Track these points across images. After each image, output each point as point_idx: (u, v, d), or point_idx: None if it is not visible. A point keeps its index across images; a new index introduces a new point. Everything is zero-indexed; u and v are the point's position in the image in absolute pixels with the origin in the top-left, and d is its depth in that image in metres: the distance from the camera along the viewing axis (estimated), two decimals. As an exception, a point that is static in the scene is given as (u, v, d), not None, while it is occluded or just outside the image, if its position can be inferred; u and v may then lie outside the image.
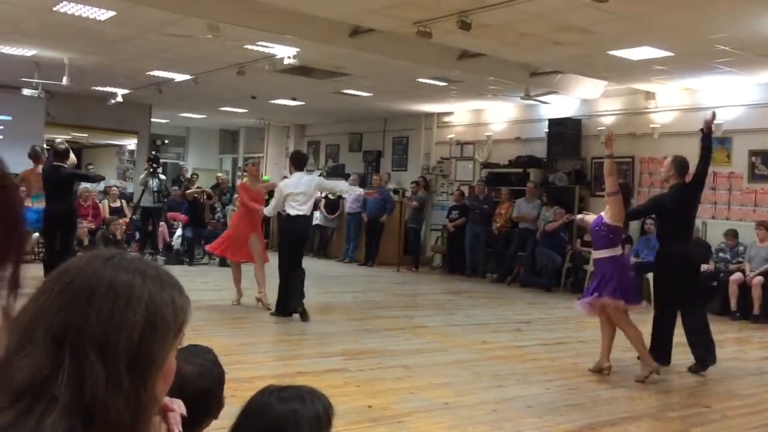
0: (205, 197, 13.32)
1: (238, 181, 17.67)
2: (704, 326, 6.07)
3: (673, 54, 8.79)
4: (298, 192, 7.74)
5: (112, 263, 0.98)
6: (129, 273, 0.97)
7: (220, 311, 7.96)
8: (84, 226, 11.76)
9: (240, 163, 21.26)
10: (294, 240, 7.90)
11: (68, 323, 0.92)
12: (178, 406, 1.23)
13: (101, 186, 14.52)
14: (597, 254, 6.10)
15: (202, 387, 1.76)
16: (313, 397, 1.61)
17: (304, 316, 7.59)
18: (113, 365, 0.91)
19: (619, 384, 5.63)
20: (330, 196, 15.21)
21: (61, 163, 9.22)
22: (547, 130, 12.89)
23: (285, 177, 9.69)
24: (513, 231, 12.70)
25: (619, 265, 5.93)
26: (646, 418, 4.76)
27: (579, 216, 7.05)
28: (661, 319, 6.22)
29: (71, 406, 0.88)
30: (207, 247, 9.85)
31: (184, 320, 1.02)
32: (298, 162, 8.14)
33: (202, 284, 10.32)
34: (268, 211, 8.42)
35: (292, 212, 7.75)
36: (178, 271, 8.19)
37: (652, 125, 11.59)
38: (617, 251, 5.92)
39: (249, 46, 9.84)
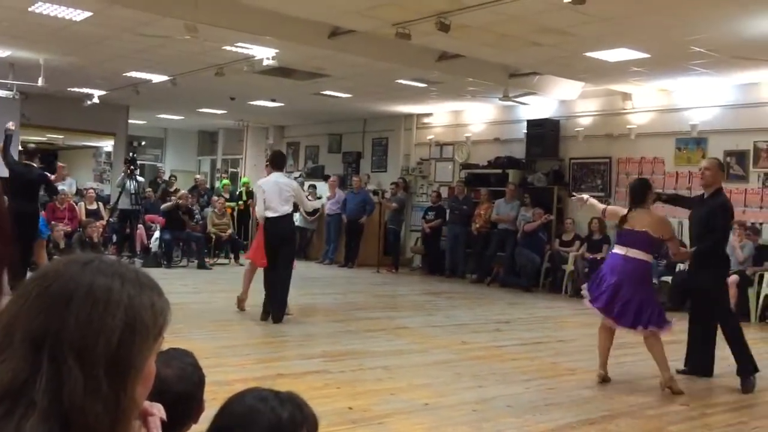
0: (180, 212, 13.17)
1: (217, 183, 17.61)
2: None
3: (649, 55, 8.89)
4: (273, 193, 7.63)
5: (91, 267, 0.97)
6: (107, 277, 0.96)
7: (200, 314, 7.90)
8: (60, 228, 11.62)
9: (218, 165, 21.16)
10: (272, 242, 7.74)
11: (46, 327, 0.91)
12: (158, 411, 1.22)
13: (73, 188, 14.37)
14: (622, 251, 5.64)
15: (182, 391, 1.74)
16: (297, 401, 1.60)
17: (276, 319, 7.57)
18: (91, 370, 0.90)
19: (597, 383, 5.67)
20: (309, 198, 15.19)
21: (31, 163, 9.14)
22: (526, 131, 12.97)
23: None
24: (492, 231, 12.75)
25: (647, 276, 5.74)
26: (624, 417, 4.80)
27: (579, 196, 6.77)
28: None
29: (49, 411, 0.87)
30: (247, 257, 9.22)
31: (163, 323, 1.01)
32: (278, 162, 8.06)
33: (181, 287, 10.25)
34: (258, 213, 8.08)
35: (269, 214, 7.66)
36: (157, 274, 8.15)
37: (628, 126, 11.71)
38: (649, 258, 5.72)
39: (228, 47, 9.79)
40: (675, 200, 6.99)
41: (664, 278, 10.42)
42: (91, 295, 0.93)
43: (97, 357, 0.91)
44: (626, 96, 11.69)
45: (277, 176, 7.82)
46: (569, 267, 11.56)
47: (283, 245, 7.77)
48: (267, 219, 7.71)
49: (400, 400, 4.86)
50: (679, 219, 10.54)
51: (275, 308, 7.61)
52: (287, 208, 7.73)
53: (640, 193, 5.77)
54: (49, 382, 0.88)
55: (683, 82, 10.56)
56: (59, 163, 10.87)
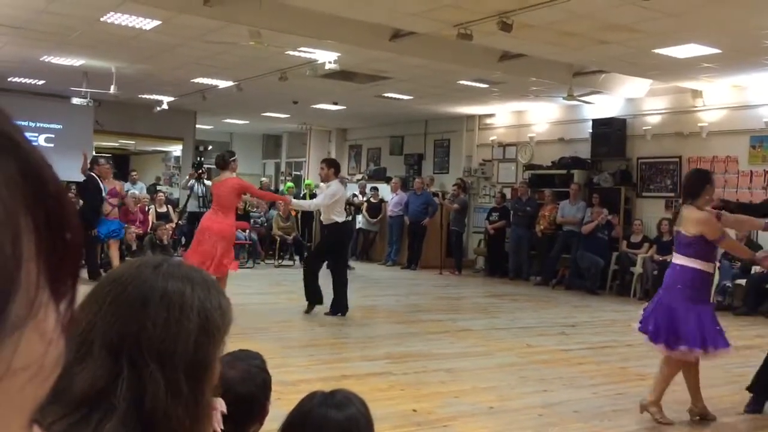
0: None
1: (281, 186, 17.87)
2: None
3: (720, 51, 8.59)
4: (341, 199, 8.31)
5: (162, 271, 0.99)
6: (178, 280, 0.98)
7: (264, 315, 8.02)
8: (132, 231, 11.98)
9: (282, 168, 21.46)
10: (342, 246, 8.37)
11: (124, 333, 0.93)
12: (220, 405, 1.25)
13: (143, 192, 14.80)
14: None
15: (244, 392, 1.76)
16: (356, 399, 1.61)
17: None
18: (173, 373, 0.92)
19: (669, 388, 5.49)
20: (372, 200, 15.27)
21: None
22: (591, 131, 12.71)
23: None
24: (557, 233, 12.54)
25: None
26: (695, 425, 4.64)
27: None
28: None
29: (129, 415, 0.89)
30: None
31: (229, 323, 1.03)
32: (339, 168, 8.58)
33: (245, 288, 10.43)
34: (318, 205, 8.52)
35: (340, 219, 8.21)
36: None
37: (699, 124, 11.34)
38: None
39: (290, 52, 9.92)
40: (744, 209, 5.81)
41: (738, 281, 10.05)
42: (166, 298, 0.95)
43: (177, 360, 0.93)
44: (697, 93, 11.33)
45: (339, 182, 8.42)
46: (638, 269, 11.27)
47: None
48: (339, 223, 8.24)
49: (465, 403, 4.82)
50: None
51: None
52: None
53: (695, 185, 4.76)
54: (130, 387, 0.90)
55: (757, 78, 10.17)
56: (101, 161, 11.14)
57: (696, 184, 4.78)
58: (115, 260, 10.27)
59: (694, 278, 4.69)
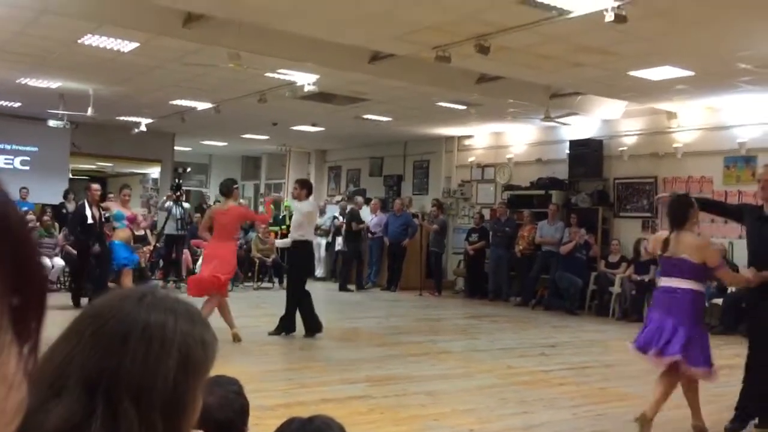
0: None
1: (260, 208, 17.81)
2: None
3: (694, 73, 8.74)
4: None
5: (145, 303, 0.96)
6: (162, 312, 0.96)
7: (243, 338, 7.93)
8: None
9: (262, 189, 21.41)
10: (309, 265, 8.47)
11: (102, 368, 0.90)
12: None
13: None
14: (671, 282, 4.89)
15: (222, 418, 1.74)
16: (335, 425, 1.59)
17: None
18: (148, 412, 0.89)
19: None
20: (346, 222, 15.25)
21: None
22: (569, 152, 12.84)
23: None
24: (536, 253, 12.59)
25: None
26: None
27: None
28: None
29: None
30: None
31: (213, 359, 1.01)
32: (311, 189, 8.56)
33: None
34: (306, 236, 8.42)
35: (310, 238, 8.28)
36: (202, 299, 8.18)
37: (674, 145, 11.50)
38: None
39: (269, 74, 9.93)
40: (710, 205, 5.89)
41: (715, 300, 10.14)
42: (147, 332, 0.92)
43: (153, 398, 0.90)
44: (671, 114, 11.50)
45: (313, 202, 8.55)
46: (616, 289, 11.34)
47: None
48: (308, 243, 8.22)
49: (445, 426, 4.79)
50: (729, 239, 10.33)
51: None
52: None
53: (679, 212, 4.87)
54: (104, 425, 0.87)
55: (730, 100, 10.35)
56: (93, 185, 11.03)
57: (680, 211, 4.87)
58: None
59: (695, 299, 4.81)
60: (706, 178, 11.12)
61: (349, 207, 15.79)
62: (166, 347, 0.92)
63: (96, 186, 10.91)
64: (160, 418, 0.89)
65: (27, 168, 15.33)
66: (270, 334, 8.06)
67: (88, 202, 10.19)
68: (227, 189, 8.07)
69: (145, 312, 0.94)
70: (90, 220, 9.95)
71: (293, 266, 8.60)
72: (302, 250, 8.25)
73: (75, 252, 11.06)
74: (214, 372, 1.83)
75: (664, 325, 4.73)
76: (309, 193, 8.39)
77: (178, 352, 0.93)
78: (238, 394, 1.85)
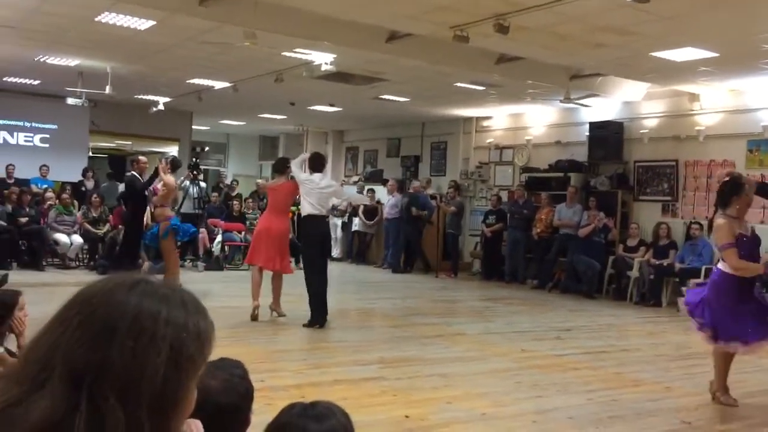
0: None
1: (268, 182, 17.75)
2: None
3: (718, 54, 8.56)
4: (313, 189, 7.64)
5: (137, 291, 0.92)
6: (154, 302, 0.91)
7: (259, 317, 7.95)
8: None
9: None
10: (314, 242, 7.72)
11: (88, 361, 0.86)
12: (196, 429, 1.18)
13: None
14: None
15: (225, 402, 1.71)
16: (338, 410, 1.56)
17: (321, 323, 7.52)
18: (134, 409, 0.85)
19: (664, 395, 5.46)
20: (368, 203, 15.20)
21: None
22: (588, 134, 12.67)
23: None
24: (553, 236, 12.50)
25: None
26: (693, 431, 4.60)
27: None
28: None
29: None
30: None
31: (209, 351, 0.97)
32: (317, 164, 7.92)
33: (241, 290, 10.35)
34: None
35: (309, 210, 7.68)
36: (218, 277, 8.31)
37: (696, 128, 11.31)
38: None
39: (286, 53, 9.87)
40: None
41: None
42: (137, 324, 0.88)
43: (140, 395, 0.86)
44: (694, 97, 11.30)
45: (319, 176, 7.81)
46: (634, 273, 11.23)
47: (319, 246, 7.76)
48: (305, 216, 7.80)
49: (458, 409, 4.76)
50: (752, 224, 10.15)
51: (324, 311, 7.56)
52: (325, 209, 7.88)
53: (724, 196, 5.15)
54: (87, 421, 0.83)
55: (754, 82, 10.14)
56: (140, 158, 11.42)
57: (724, 194, 5.16)
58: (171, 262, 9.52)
59: (719, 279, 5.12)
60: (728, 161, 10.93)
61: (366, 188, 15.75)
62: (156, 341, 0.88)
63: (144, 158, 11.37)
64: (148, 415, 0.85)
65: (47, 146, 15.42)
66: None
67: (136, 174, 10.77)
68: (282, 166, 8.28)
69: (136, 301, 0.90)
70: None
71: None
72: (325, 224, 8.16)
73: (125, 226, 11.33)
74: (227, 352, 1.80)
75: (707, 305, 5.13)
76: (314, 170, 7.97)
77: (169, 346, 0.88)
78: (242, 377, 1.81)
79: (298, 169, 7.90)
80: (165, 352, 0.88)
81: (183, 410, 0.91)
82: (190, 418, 1.21)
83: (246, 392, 1.79)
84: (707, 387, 5.36)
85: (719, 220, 5.08)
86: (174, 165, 10.07)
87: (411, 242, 14.21)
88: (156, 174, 10.26)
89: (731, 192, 5.11)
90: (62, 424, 0.82)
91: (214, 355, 1.77)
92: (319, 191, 7.70)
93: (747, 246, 5.09)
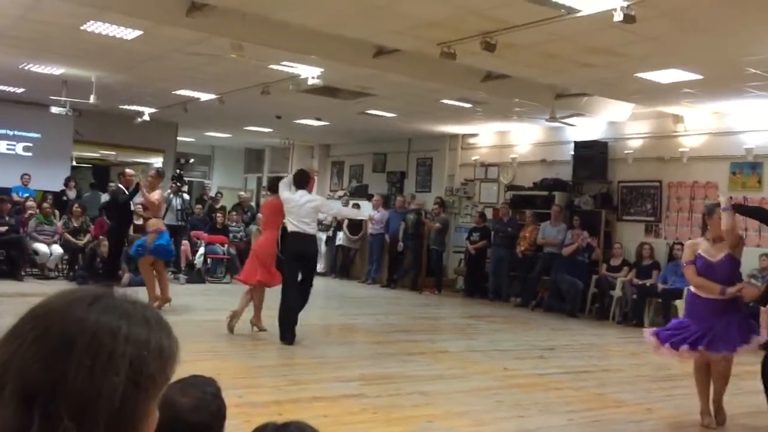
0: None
1: (262, 200, 17.74)
2: None
3: (702, 77, 8.63)
4: (292, 207, 7.61)
5: (97, 307, 0.87)
6: (114, 318, 0.87)
7: (238, 332, 7.87)
8: (106, 243, 11.78)
9: (264, 182, 21.33)
10: (290, 259, 7.70)
11: (42, 379, 0.81)
12: None
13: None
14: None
15: (196, 421, 1.65)
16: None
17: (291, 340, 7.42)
18: (90, 430, 0.80)
19: (646, 416, 5.43)
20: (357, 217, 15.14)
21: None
22: (573, 153, 12.73)
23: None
24: (537, 255, 12.50)
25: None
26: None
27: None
28: None
29: None
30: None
31: (172, 369, 0.92)
32: (300, 180, 7.82)
33: (222, 303, 10.25)
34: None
35: (290, 228, 7.65)
36: (200, 290, 8.24)
37: (680, 149, 11.39)
38: None
39: (273, 66, 9.85)
40: (750, 212, 6.53)
41: None
42: (94, 341, 0.83)
43: (97, 415, 0.81)
44: (678, 118, 11.39)
45: (301, 194, 7.70)
46: (617, 293, 11.25)
47: (299, 263, 7.70)
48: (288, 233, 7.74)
49: (438, 428, 4.71)
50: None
51: (291, 329, 7.45)
52: (309, 227, 7.69)
53: (702, 218, 5.55)
54: None
55: (738, 105, 10.23)
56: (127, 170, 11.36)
57: (702, 218, 5.51)
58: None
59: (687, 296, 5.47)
60: (711, 183, 11.01)
61: (351, 203, 15.70)
62: (115, 359, 0.83)
63: (131, 171, 11.41)
64: None
65: (29, 154, 15.26)
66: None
67: (121, 186, 10.66)
68: (273, 185, 8.35)
69: (95, 317, 0.85)
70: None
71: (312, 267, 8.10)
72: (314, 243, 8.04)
73: (108, 238, 11.22)
74: (205, 366, 1.76)
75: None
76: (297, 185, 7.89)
77: (128, 364, 0.84)
78: (214, 395, 1.76)
79: (284, 188, 7.86)
80: (124, 370, 0.83)
81: (143, 431, 0.86)
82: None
83: (218, 411, 1.73)
84: (688, 409, 5.34)
85: (687, 242, 5.62)
86: (159, 176, 10.00)
87: (416, 258, 14.18)
88: (137, 189, 10.16)
89: (705, 215, 5.45)
90: None
91: (193, 369, 1.72)
92: (298, 208, 7.60)
93: (712, 268, 5.18)
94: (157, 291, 9.08)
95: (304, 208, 7.63)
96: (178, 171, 14.17)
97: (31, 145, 15.32)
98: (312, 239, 7.80)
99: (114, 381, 0.82)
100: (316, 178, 9.01)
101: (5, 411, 0.80)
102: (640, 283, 10.92)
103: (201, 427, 1.66)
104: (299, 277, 7.66)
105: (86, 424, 0.80)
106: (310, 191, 7.93)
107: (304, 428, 1.49)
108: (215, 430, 1.71)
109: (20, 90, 13.55)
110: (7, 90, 13.64)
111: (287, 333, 7.37)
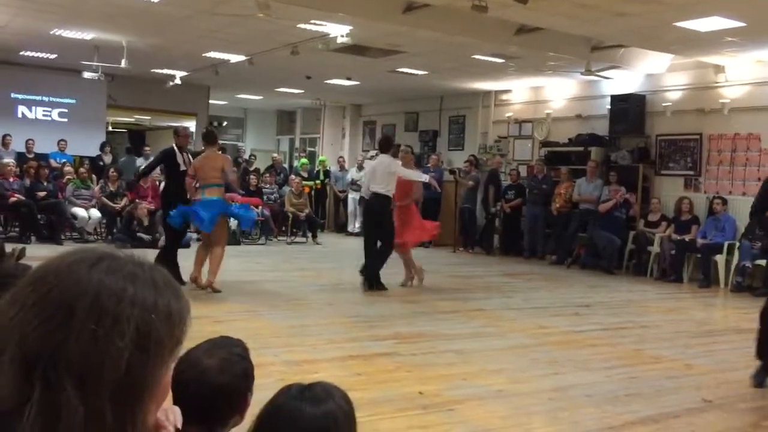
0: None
1: (295, 163, 17.72)
2: None
3: (745, 24, 8.29)
4: (374, 173, 8.54)
5: (99, 268, 0.82)
6: (118, 280, 0.82)
7: (275, 293, 7.93)
8: (144, 206, 11.94)
9: (297, 144, 21.33)
10: (368, 219, 8.79)
11: (42, 344, 0.77)
12: (174, 416, 1.09)
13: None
14: None
15: (223, 383, 1.64)
16: (337, 393, 1.47)
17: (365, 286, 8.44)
18: (94, 399, 0.76)
19: (684, 372, 5.35)
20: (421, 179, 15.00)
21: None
22: (610, 107, 12.43)
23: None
24: (573, 211, 12.33)
25: None
26: (714, 410, 4.49)
27: None
28: None
29: None
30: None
31: (182, 332, 0.86)
32: (383, 146, 8.90)
33: (257, 264, 10.36)
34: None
35: (372, 190, 8.51)
36: (233, 252, 8.27)
37: (721, 100, 11.04)
38: None
39: (302, 25, 9.73)
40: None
41: (759, 261, 9.83)
42: (97, 304, 0.79)
43: (101, 384, 0.77)
44: (719, 68, 11.01)
45: (382, 157, 8.68)
46: (655, 249, 11.06)
47: (375, 222, 8.64)
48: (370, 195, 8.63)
49: (473, 386, 4.70)
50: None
51: (367, 278, 8.50)
52: (386, 189, 8.44)
53: None
54: (41, 413, 0.74)
55: (783, 53, 9.85)
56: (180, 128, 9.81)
57: None
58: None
59: None
60: (753, 135, 10.68)
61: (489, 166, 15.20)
62: (119, 324, 0.78)
63: (188, 128, 10.16)
64: (111, 405, 0.76)
65: (65, 120, 15.44)
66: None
67: (177, 147, 8.48)
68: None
69: (97, 279, 0.80)
70: (183, 167, 8.31)
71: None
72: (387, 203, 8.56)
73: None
74: (242, 327, 1.74)
75: None
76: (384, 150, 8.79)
77: (134, 329, 0.79)
78: (241, 356, 1.74)
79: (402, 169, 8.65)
80: (129, 335, 0.79)
81: (152, 399, 0.82)
82: (170, 405, 1.13)
83: (244, 372, 1.71)
84: (731, 364, 5.24)
85: None
86: (207, 138, 8.50)
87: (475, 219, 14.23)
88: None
89: None
90: (11, 415, 0.74)
91: (229, 329, 1.70)
92: (375, 172, 8.57)
93: None
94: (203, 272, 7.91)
95: (381, 172, 8.49)
96: (206, 128, 14.09)
97: (66, 111, 15.48)
98: (379, 202, 8.49)
99: (119, 346, 0.78)
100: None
101: (5, 378, 0.76)
102: (678, 238, 10.72)
103: (226, 388, 1.64)
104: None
105: (90, 392, 0.76)
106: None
107: (330, 389, 1.46)
108: (241, 391, 1.69)
109: (53, 56, 13.64)
110: (40, 56, 13.74)
111: (366, 281, 8.51)
